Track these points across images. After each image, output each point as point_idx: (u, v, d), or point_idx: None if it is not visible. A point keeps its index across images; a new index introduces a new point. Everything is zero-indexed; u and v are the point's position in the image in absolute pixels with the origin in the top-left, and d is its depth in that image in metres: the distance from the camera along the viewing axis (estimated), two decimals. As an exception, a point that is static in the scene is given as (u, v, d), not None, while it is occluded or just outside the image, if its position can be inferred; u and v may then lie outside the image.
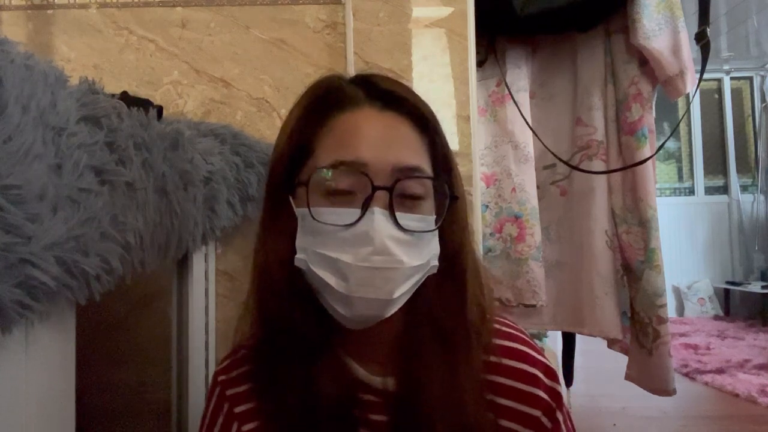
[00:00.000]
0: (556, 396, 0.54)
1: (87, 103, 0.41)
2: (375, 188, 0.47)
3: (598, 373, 2.07)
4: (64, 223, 0.34)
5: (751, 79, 4.84)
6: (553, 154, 1.35)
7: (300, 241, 0.51)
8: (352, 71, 1.04)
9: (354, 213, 0.47)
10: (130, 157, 0.45)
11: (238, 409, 0.56)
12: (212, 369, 0.91)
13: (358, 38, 1.06)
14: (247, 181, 0.87)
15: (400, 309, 0.50)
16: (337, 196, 0.49)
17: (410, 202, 0.49)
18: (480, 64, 1.36)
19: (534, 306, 1.31)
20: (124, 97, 0.71)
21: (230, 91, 1.08)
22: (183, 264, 0.84)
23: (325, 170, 0.49)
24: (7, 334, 0.32)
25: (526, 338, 0.57)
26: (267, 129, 1.07)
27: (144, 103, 0.66)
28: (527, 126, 1.35)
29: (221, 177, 0.76)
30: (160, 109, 0.68)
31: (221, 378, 0.58)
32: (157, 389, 1.01)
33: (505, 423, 0.52)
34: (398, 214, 0.47)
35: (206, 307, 0.92)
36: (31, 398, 0.36)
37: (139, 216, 0.47)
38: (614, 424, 2.05)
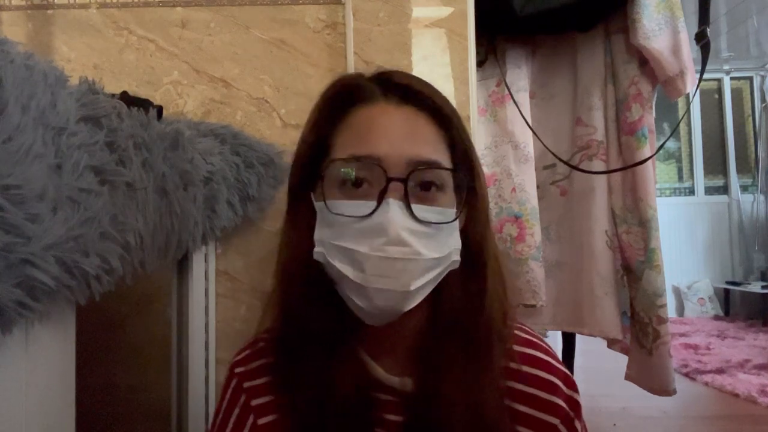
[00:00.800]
0: (575, 405, 0.54)
1: (87, 103, 0.41)
2: (389, 180, 0.47)
3: (598, 373, 2.07)
4: (64, 223, 0.34)
5: (751, 79, 4.84)
6: (553, 154, 1.35)
7: (318, 234, 0.51)
8: (352, 71, 1.04)
9: (370, 205, 0.47)
10: (130, 157, 0.45)
11: (255, 402, 0.55)
12: (212, 369, 0.92)
13: (358, 38, 1.06)
14: (247, 181, 0.87)
15: (421, 308, 0.50)
16: (352, 189, 0.49)
17: (428, 194, 0.49)
18: (480, 64, 1.36)
19: (534, 306, 1.31)
20: (124, 97, 0.71)
21: (230, 91, 1.08)
22: (183, 264, 0.84)
23: (340, 163, 0.49)
24: (7, 334, 0.32)
25: (545, 346, 0.56)
26: (267, 129, 1.07)
27: (144, 103, 0.66)
28: (527, 126, 1.35)
29: (221, 177, 0.76)
30: (160, 109, 0.68)
31: (238, 370, 0.58)
32: (157, 389, 1.01)
33: (522, 430, 0.52)
34: (415, 206, 0.48)
35: (206, 307, 0.92)
36: (31, 398, 0.36)
37: (139, 216, 0.47)
38: (614, 424, 2.05)
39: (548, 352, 0.56)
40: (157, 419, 1.00)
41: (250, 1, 1.09)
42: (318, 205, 0.51)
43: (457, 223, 0.52)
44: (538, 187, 1.38)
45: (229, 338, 0.98)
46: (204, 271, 0.91)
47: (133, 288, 1.02)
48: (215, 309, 0.98)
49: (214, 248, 1.00)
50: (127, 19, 1.09)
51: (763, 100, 4.73)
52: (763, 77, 4.76)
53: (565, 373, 0.55)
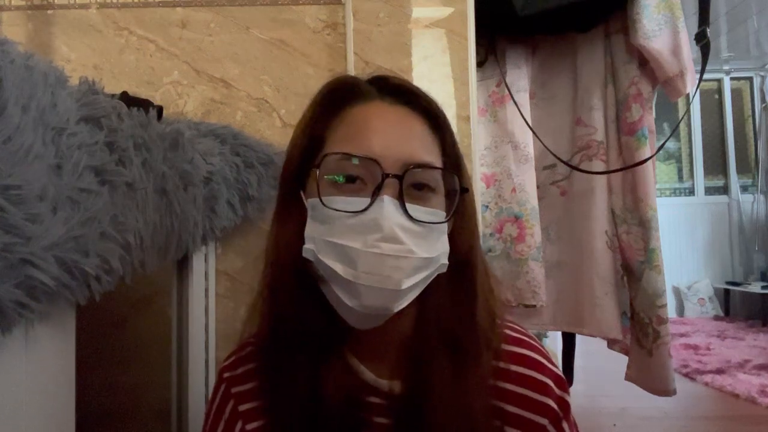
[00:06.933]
0: (565, 405, 0.54)
1: (87, 104, 0.41)
2: (385, 176, 0.47)
3: (598, 373, 2.07)
4: (64, 223, 0.34)
5: (751, 79, 4.84)
6: (553, 154, 1.35)
7: (309, 231, 0.50)
8: (352, 71, 1.05)
9: (364, 201, 0.47)
10: (130, 157, 0.45)
11: (242, 407, 0.55)
12: (212, 369, 0.92)
13: (358, 38, 1.06)
14: (247, 181, 0.87)
15: (408, 312, 0.50)
16: (347, 185, 0.49)
17: (420, 194, 0.50)
18: (480, 64, 1.36)
19: (534, 306, 1.31)
20: (124, 97, 0.71)
21: (230, 91, 1.08)
22: (183, 264, 0.84)
23: (335, 157, 0.49)
24: (7, 334, 0.32)
25: (537, 345, 0.56)
26: (267, 129, 1.07)
27: (144, 103, 0.66)
28: (527, 126, 1.35)
29: (221, 177, 0.76)
30: (160, 110, 0.68)
31: (226, 375, 0.58)
32: (157, 389, 1.01)
33: (510, 430, 0.52)
34: (408, 205, 0.48)
35: (206, 307, 0.92)
36: (31, 398, 0.36)
37: (139, 216, 0.47)
38: (614, 424, 2.05)
39: (539, 351, 0.55)
40: (157, 419, 1.00)
41: (250, 1, 1.10)
42: (311, 202, 0.50)
43: (446, 227, 0.52)
44: (538, 187, 1.38)
45: (229, 338, 0.98)
46: (204, 271, 0.91)
47: (133, 288, 1.02)
48: (215, 309, 0.98)
49: (214, 248, 1.00)
50: (127, 20, 1.09)
51: (763, 100, 4.73)
52: (763, 77, 4.76)
53: (556, 373, 0.54)
